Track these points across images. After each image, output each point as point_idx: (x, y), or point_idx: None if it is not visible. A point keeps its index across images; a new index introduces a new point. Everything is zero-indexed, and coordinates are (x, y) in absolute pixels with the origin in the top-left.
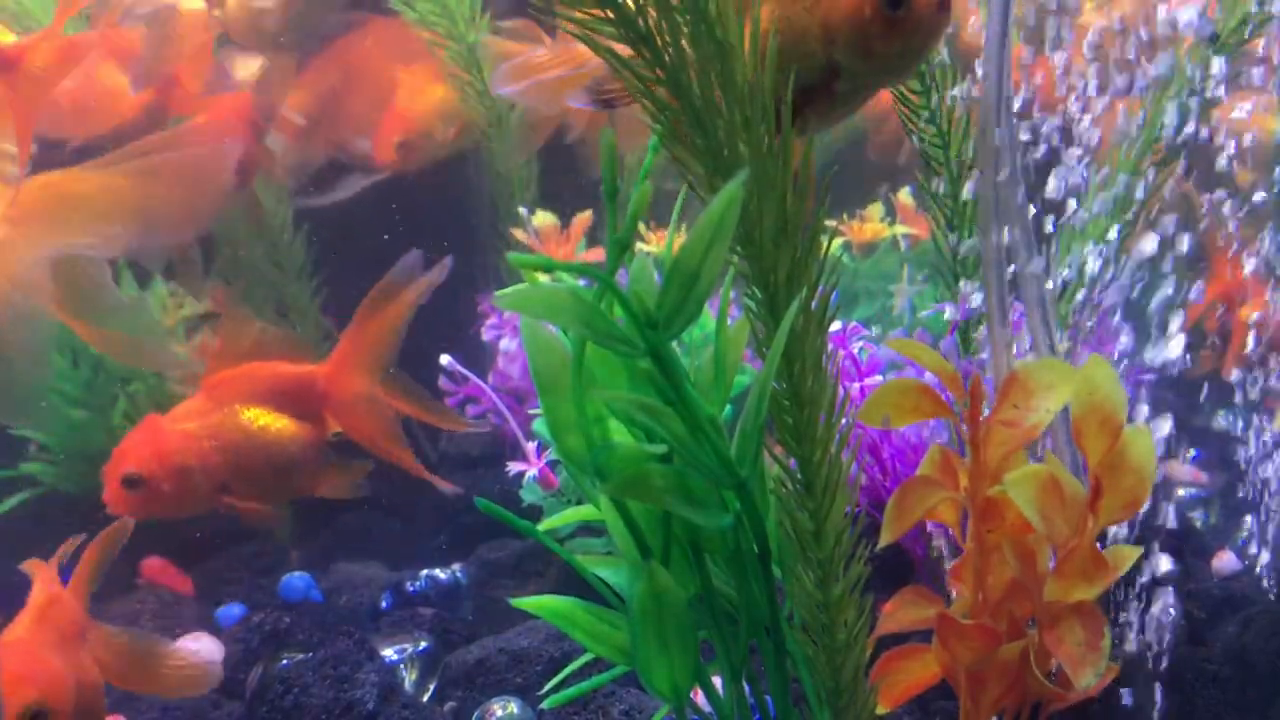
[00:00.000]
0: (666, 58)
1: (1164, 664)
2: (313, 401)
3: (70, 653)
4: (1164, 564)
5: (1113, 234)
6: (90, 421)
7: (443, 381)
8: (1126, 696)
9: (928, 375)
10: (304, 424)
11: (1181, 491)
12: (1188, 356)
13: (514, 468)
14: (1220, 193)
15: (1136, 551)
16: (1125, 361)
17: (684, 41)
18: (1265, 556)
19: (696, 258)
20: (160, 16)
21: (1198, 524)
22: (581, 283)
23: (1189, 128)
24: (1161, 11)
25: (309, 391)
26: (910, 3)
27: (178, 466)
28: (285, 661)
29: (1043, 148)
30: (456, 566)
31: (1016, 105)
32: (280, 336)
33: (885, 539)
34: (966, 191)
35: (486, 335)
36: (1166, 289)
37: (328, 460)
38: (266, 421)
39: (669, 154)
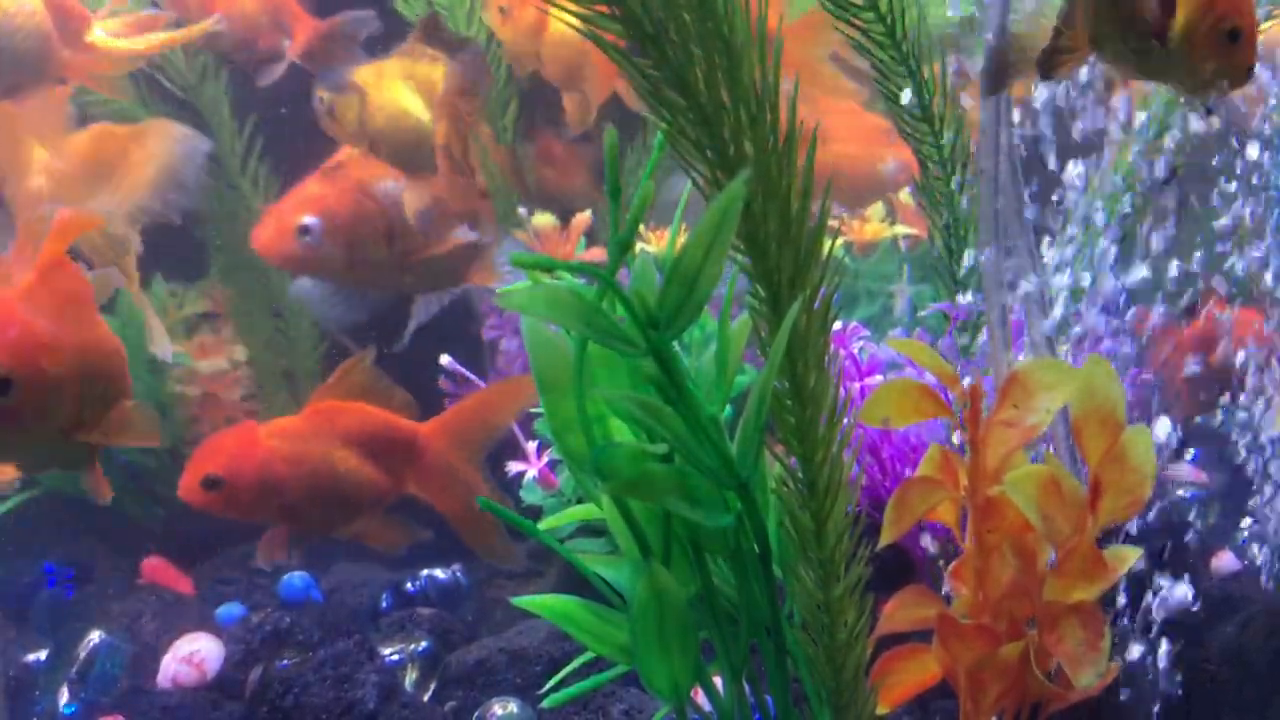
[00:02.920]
0: (672, 56)
1: (1163, 664)
2: (403, 458)
3: (72, 317)
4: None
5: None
6: None
7: (443, 381)
8: (1126, 696)
9: (927, 375)
10: (386, 477)
11: (1181, 491)
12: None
13: (514, 468)
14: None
15: (1136, 552)
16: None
17: (690, 40)
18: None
19: (698, 257)
20: None
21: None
22: (582, 282)
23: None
24: None
25: (404, 448)
26: (1242, 45)
27: (258, 482)
28: (285, 661)
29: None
30: (456, 566)
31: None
32: (390, 389)
33: (885, 539)
34: (963, 202)
35: (486, 335)
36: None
37: (389, 516)
38: (354, 465)
39: (673, 152)
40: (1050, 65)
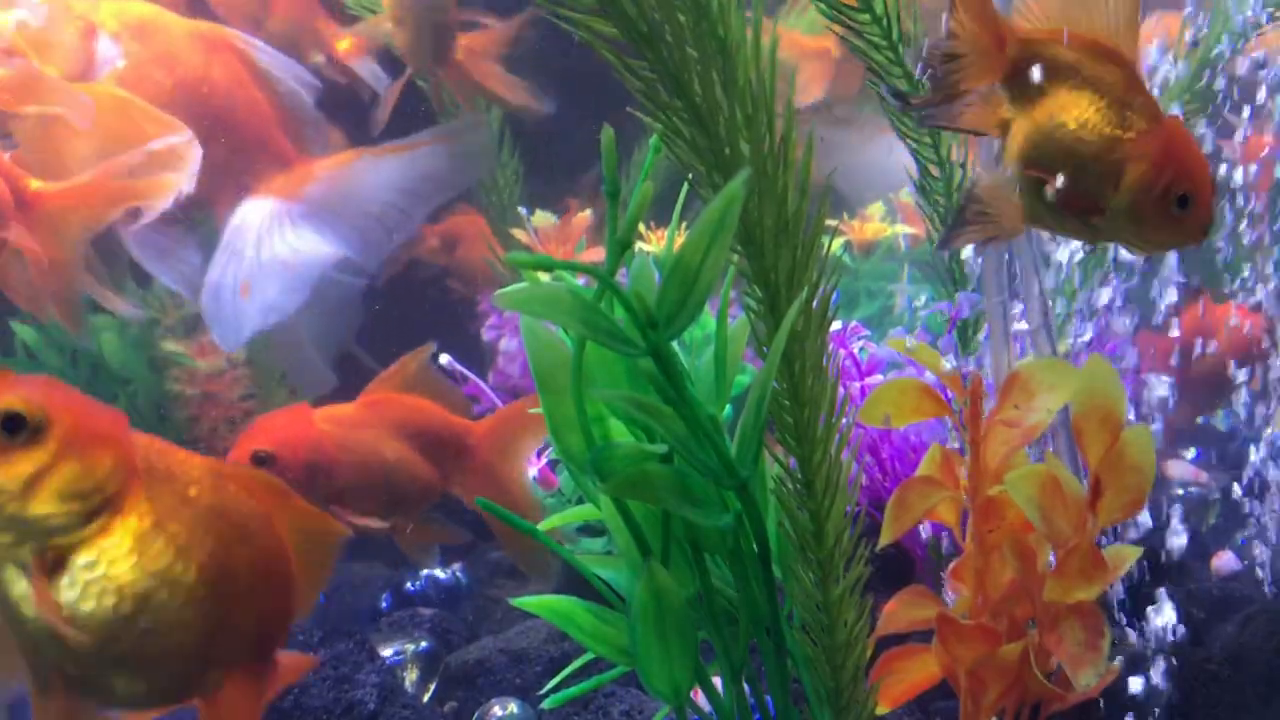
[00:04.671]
0: (667, 56)
1: (1163, 664)
2: (453, 456)
3: None
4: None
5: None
6: None
7: None
8: (1126, 696)
9: (927, 375)
10: (434, 472)
11: (1181, 491)
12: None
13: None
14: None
15: (1136, 551)
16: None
17: (685, 40)
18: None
19: (697, 257)
20: None
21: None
22: (581, 282)
23: None
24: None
25: (455, 444)
26: (1193, 211)
27: (308, 462)
28: None
29: None
30: (456, 566)
31: None
32: (446, 387)
33: (885, 539)
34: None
35: (486, 335)
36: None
37: (435, 518)
38: (404, 457)
39: (670, 153)
40: (969, 228)
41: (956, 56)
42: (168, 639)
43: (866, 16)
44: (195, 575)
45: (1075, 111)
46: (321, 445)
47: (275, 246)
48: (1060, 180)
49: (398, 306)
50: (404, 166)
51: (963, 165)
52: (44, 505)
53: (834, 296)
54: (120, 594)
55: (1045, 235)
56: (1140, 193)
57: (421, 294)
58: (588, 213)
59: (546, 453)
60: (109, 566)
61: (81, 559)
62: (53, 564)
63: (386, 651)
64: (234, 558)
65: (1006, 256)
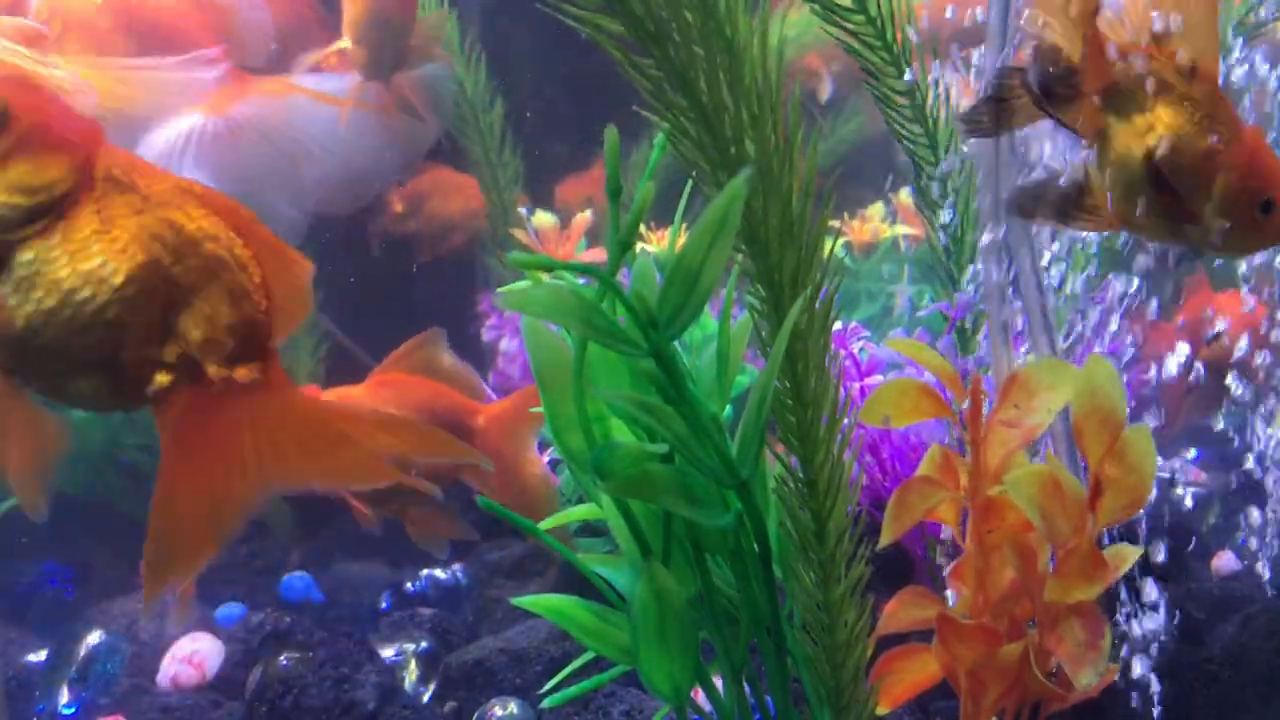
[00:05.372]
0: (674, 55)
1: (1163, 664)
2: (464, 435)
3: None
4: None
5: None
6: (90, 421)
7: None
8: (1126, 696)
9: (927, 375)
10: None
11: (1181, 491)
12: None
13: None
14: None
15: (1137, 551)
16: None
17: (692, 39)
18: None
19: (698, 257)
20: None
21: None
22: (583, 282)
23: None
24: None
25: (462, 424)
26: (1275, 215)
27: None
28: (285, 661)
29: None
30: (456, 566)
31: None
32: (457, 368)
33: (885, 539)
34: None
35: (486, 335)
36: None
37: (444, 504)
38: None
39: (674, 151)
40: (1067, 218)
41: (1070, 71)
42: (92, 336)
43: (861, 18)
44: (124, 278)
45: (1173, 124)
46: None
47: (190, 163)
48: (1161, 190)
49: (395, 305)
50: (355, 117)
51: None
52: None
53: (836, 296)
54: (49, 290)
55: (1047, 235)
56: (1232, 200)
57: (421, 292)
58: (588, 213)
59: (549, 452)
60: (44, 265)
61: (22, 256)
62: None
63: (387, 651)
64: (181, 268)
65: (1006, 257)
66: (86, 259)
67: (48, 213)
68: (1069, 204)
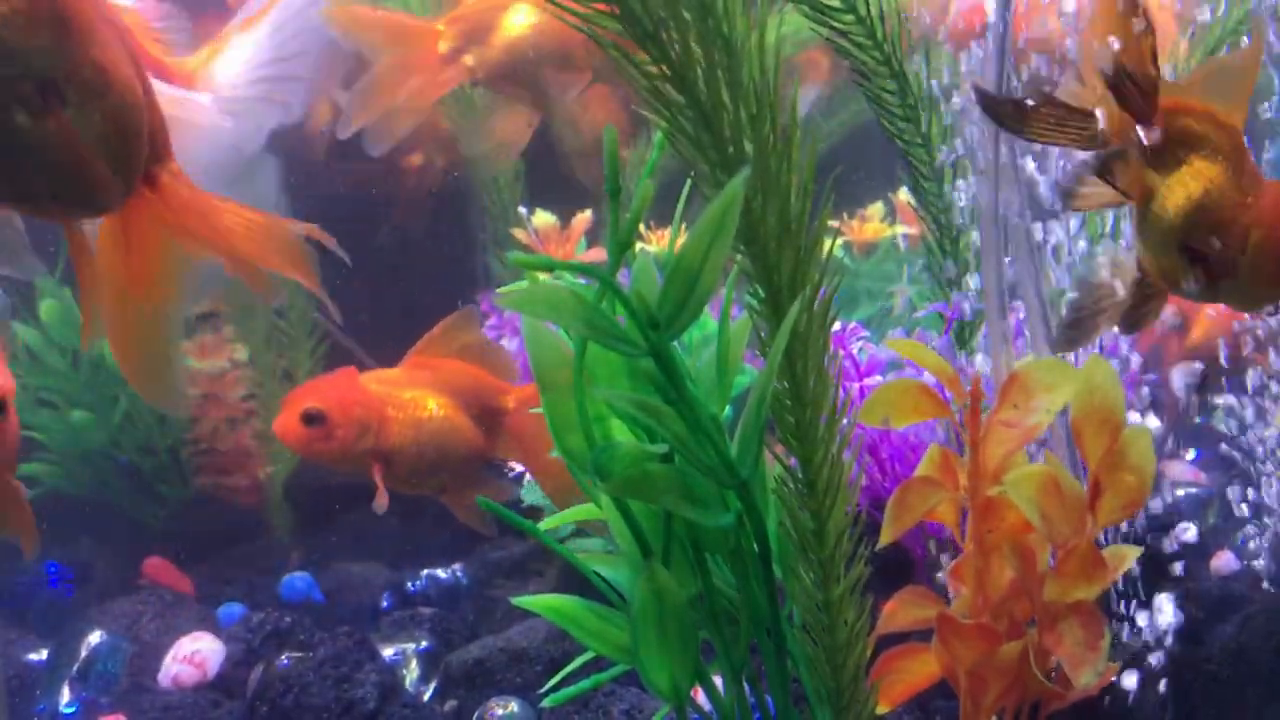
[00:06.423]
0: (673, 54)
1: (1163, 664)
2: (495, 415)
3: None
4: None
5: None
6: (90, 421)
7: None
8: (1126, 696)
9: (927, 375)
10: (480, 434)
11: (1181, 491)
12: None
13: (515, 467)
14: None
15: (1136, 551)
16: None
17: (690, 37)
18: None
19: (698, 257)
20: None
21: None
22: (583, 282)
23: None
24: None
25: (495, 404)
26: None
27: (358, 419)
28: (285, 661)
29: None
30: (456, 566)
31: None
32: (490, 348)
33: (885, 539)
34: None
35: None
36: None
37: (482, 475)
38: (449, 414)
39: (674, 150)
40: (1134, 320)
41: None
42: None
43: (850, 17)
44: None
45: (1214, 178)
46: (372, 402)
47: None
48: (1201, 245)
49: (395, 304)
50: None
51: (953, 165)
52: None
53: (835, 296)
54: None
55: (1045, 235)
56: (1264, 255)
57: (421, 291)
58: (588, 213)
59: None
60: None
61: None
62: None
63: (387, 651)
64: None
65: (1006, 257)
66: None
67: None
68: (1135, 309)
